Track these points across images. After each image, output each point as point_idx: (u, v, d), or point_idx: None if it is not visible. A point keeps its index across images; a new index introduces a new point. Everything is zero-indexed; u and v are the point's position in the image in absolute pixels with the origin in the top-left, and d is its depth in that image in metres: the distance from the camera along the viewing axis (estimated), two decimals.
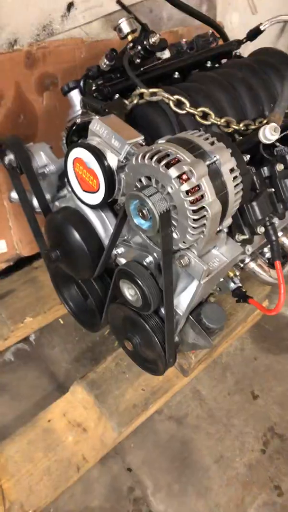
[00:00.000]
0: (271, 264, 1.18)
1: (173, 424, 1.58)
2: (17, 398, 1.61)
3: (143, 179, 0.82)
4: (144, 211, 0.80)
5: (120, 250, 1.06)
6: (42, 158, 1.22)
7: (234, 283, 1.16)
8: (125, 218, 0.94)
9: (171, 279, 0.90)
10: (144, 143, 0.99)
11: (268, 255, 1.19)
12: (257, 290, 1.74)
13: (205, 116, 1.07)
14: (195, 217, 0.77)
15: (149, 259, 0.97)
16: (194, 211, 0.76)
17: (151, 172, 0.79)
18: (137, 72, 1.17)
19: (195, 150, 0.79)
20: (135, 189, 0.84)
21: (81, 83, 1.15)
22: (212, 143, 0.81)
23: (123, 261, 1.11)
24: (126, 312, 1.10)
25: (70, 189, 1.10)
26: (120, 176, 0.99)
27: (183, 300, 0.98)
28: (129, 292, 1.02)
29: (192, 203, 0.75)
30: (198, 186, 0.75)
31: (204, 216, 0.77)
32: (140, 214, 0.82)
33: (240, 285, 1.17)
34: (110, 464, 1.47)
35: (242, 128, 1.13)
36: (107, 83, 1.18)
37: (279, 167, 1.02)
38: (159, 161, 0.77)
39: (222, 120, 1.08)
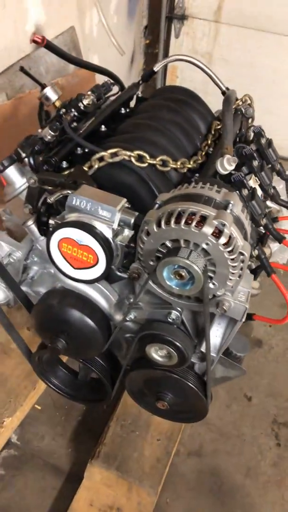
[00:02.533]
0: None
1: (194, 460, 1.57)
2: None
3: (167, 243, 0.81)
4: (182, 273, 0.79)
5: (133, 315, 1.03)
6: (4, 248, 1.10)
7: None
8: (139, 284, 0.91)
9: (209, 327, 0.90)
10: (129, 205, 0.98)
11: None
12: None
13: (164, 164, 1.10)
14: (235, 264, 0.79)
15: (174, 314, 0.96)
16: (233, 259, 0.79)
17: (179, 234, 0.79)
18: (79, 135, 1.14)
19: (211, 202, 0.81)
20: (161, 254, 0.82)
21: (31, 160, 1.08)
22: (218, 191, 0.84)
23: (131, 325, 1.07)
24: (152, 374, 1.06)
25: (57, 271, 1.01)
26: (116, 243, 0.96)
27: (215, 341, 0.99)
28: (158, 353, 0.99)
29: (230, 252, 0.78)
30: (230, 235, 0.78)
31: (241, 260, 0.80)
32: (177, 276, 0.81)
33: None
34: None
35: (179, 167, 1.17)
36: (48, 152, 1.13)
37: (244, 191, 1.11)
38: (186, 222, 0.77)
39: (179, 163, 1.13)
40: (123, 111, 1.43)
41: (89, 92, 1.34)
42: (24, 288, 1.19)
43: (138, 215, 0.95)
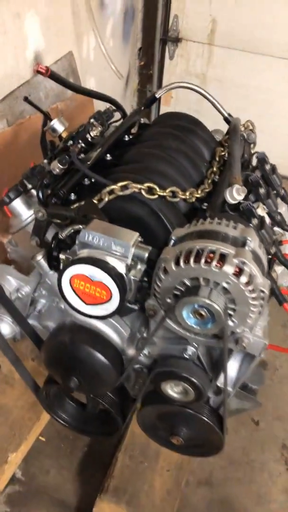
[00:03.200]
0: None
1: (204, 489, 1.54)
2: None
3: (186, 281, 0.80)
4: (203, 313, 0.78)
5: (146, 350, 1.01)
6: (12, 282, 1.08)
7: None
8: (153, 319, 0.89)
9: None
10: (141, 239, 0.96)
11: None
12: None
13: (174, 195, 1.09)
14: (255, 302, 0.78)
15: (191, 350, 0.94)
16: (254, 298, 0.78)
17: (199, 273, 0.78)
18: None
19: (228, 239, 0.81)
20: (179, 292, 0.81)
21: (40, 194, 1.06)
22: (235, 227, 0.84)
23: (144, 359, 1.05)
24: (166, 409, 1.04)
25: (68, 307, 0.99)
26: (129, 278, 0.94)
27: (231, 375, 0.98)
28: (174, 390, 0.97)
29: (251, 291, 0.77)
30: (250, 273, 0.77)
31: (261, 297, 0.79)
32: (197, 316, 0.79)
33: None
34: None
35: (188, 197, 1.16)
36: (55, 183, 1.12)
37: (254, 221, 1.11)
38: (206, 261, 0.76)
39: (188, 193, 1.12)
40: (126, 138, 1.43)
41: (93, 121, 1.34)
42: (31, 321, 1.17)
43: (151, 250, 0.94)
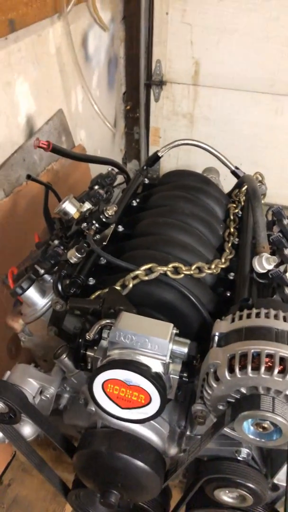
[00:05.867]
0: None
1: None
2: None
3: (243, 389, 0.71)
4: (265, 425, 0.70)
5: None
6: (34, 384, 0.97)
7: None
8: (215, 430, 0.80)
9: None
10: (177, 330, 0.88)
11: None
12: None
13: (200, 270, 1.02)
14: None
15: (245, 452, 0.85)
16: None
17: (258, 382, 0.69)
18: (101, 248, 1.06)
19: (284, 336, 0.73)
20: (234, 399, 0.73)
21: (59, 287, 0.97)
22: (285, 318, 0.76)
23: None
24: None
25: (100, 411, 0.90)
26: (168, 376, 0.86)
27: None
28: (228, 495, 0.88)
29: None
30: None
31: None
32: (259, 428, 0.71)
33: None
34: None
35: (215, 271, 1.09)
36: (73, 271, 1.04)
37: (286, 289, 1.04)
38: (266, 368, 0.68)
39: (213, 266, 1.05)
40: (134, 203, 1.37)
41: (99, 191, 1.27)
42: (55, 417, 1.06)
43: (190, 344, 0.85)
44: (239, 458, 0.85)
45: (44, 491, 1.48)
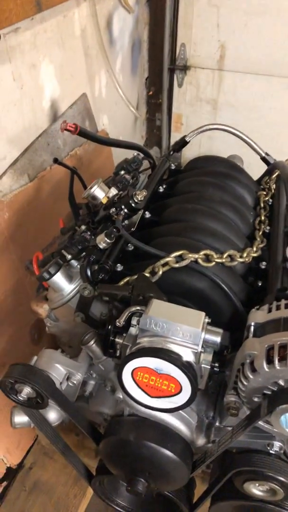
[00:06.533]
0: None
1: None
2: None
3: (281, 382, 0.69)
4: None
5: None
6: (61, 370, 0.97)
7: None
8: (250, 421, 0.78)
9: None
10: (209, 319, 0.85)
11: None
12: None
13: (232, 259, 0.99)
14: None
15: (278, 446, 0.82)
16: None
17: None
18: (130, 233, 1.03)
19: None
20: (270, 391, 0.70)
21: (88, 272, 0.96)
22: None
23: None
24: (246, 504, 0.92)
25: (128, 399, 0.88)
26: (199, 366, 0.83)
27: None
28: (258, 489, 0.86)
29: None
30: None
31: None
32: None
33: None
34: None
35: (246, 259, 1.05)
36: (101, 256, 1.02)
37: None
38: None
39: (245, 255, 1.02)
40: (161, 189, 1.33)
41: (126, 176, 1.25)
42: (80, 403, 1.06)
43: (223, 334, 0.83)
44: (271, 451, 0.83)
45: (65, 475, 1.49)
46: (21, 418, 1.03)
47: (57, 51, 1.61)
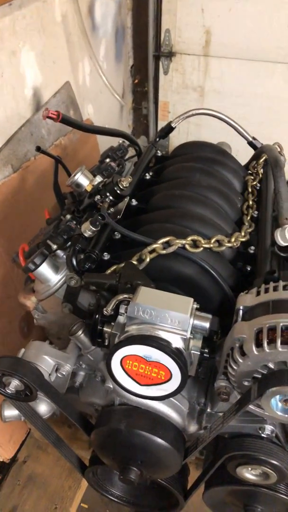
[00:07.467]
0: None
1: None
2: None
3: (271, 364, 0.68)
4: None
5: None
6: (49, 362, 0.95)
7: None
8: (241, 404, 0.77)
9: None
10: (197, 305, 0.84)
11: None
12: None
13: (220, 244, 0.98)
14: None
15: (269, 429, 0.82)
16: None
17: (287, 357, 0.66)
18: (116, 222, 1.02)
19: None
20: (260, 374, 0.69)
21: (74, 262, 0.94)
22: None
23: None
24: (240, 489, 0.92)
25: (118, 388, 0.87)
26: (188, 352, 0.82)
27: None
28: (252, 472, 0.85)
29: None
30: None
31: None
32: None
33: None
34: None
35: (234, 244, 1.04)
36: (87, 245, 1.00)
37: None
38: None
39: (233, 239, 1.01)
40: (147, 176, 1.31)
41: (111, 163, 1.22)
42: (71, 394, 1.04)
43: (212, 319, 0.82)
44: (262, 435, 0.82)
45: (59, 468, 1.48)
46: (11, 412, 1.01)
47: (37, 37, 1.57)
